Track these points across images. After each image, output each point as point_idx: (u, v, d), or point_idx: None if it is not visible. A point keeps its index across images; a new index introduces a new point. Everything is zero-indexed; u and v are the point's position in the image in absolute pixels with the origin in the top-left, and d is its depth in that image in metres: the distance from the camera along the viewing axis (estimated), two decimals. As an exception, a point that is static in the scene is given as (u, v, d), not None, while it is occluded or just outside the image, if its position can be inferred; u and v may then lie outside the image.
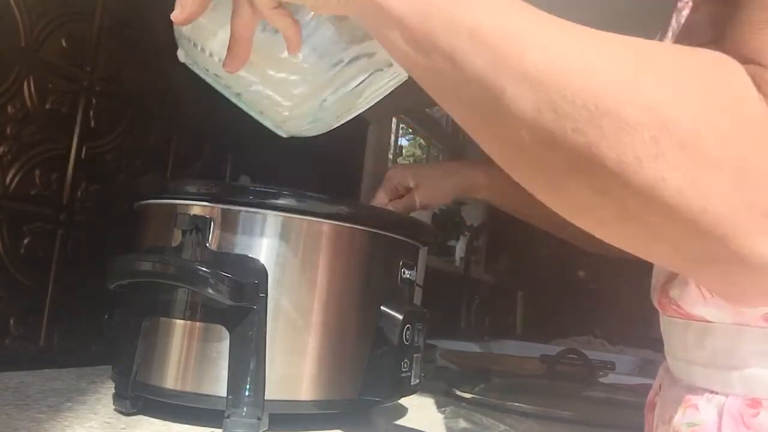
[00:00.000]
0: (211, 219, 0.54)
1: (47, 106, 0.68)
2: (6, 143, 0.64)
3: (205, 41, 0.45)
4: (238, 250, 0.53)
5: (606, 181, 0.28)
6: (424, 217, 1.32)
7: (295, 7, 0.41)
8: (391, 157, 2.32)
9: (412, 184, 0.81)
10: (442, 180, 0.83)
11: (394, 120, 2.20)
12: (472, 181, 0.82)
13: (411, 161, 3.02)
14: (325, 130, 0.49)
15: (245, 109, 0.49)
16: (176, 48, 0.48)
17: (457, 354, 1.20)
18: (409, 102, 1.33)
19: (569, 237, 0.86)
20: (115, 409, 0.55)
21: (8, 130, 0.65)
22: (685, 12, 0.47)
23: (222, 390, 0.52)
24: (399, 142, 2.61)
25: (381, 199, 0.83)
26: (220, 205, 0.54)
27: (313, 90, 0.44)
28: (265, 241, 0.54)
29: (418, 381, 0.63)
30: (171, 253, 0.54)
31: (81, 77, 0.72)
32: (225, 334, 0.53)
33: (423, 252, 1.36)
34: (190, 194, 0.55)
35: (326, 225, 0.56)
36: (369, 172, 1.47)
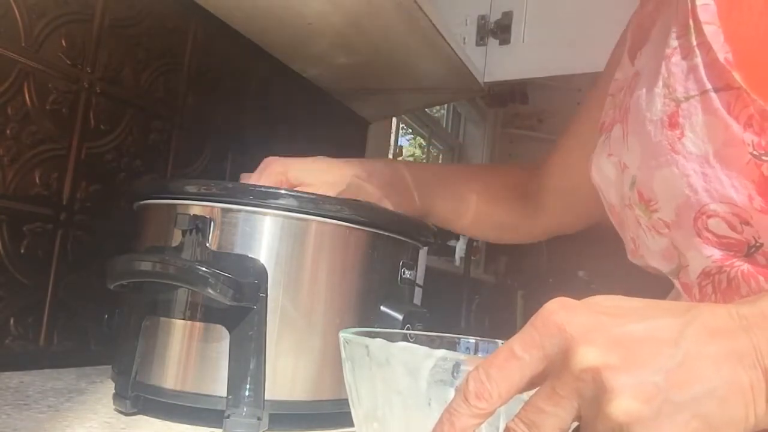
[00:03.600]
0: (211, 219, 0.53)
1: (47, 106, 0.68)
2: (6, 143, 0.64)
3: None
4: (238, 250, 0.53)
5: None
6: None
7: None
8: (391, 156, 2.32)
9: (293, 181, 0.74)
10: (323, 175, 0.75)
11: (394, 120, 2.20)
12: (356, 177, 0.75)
13: (411, 161, 3.03)
14: None
15: None
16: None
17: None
18: (409, 102, 1.33)
19: (471, 234, 0.85)
20: (115, 409, 0.55)
21: (8, 130, 0.65)
22: (675, 59, 0.46)
23: (222, 390, 0.52)
24: (399, 142, 2.61)
25: None
26: (220, 205, 0.54)
27: None
28: (265, 241, 0.54)
29: (418, 381, 0.63)
30: (171, 253, 0.54)
31: (81, 77, 0.72)
32: (225, 334, 0.53)
33: (423, 252, 1.37)
34: (190, 194, 0.55)
35: (326, 225, 0.56)
36: (369, 172, 1.47)
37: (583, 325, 0.29)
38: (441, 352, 0.34)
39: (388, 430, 0.36)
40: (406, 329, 0.59)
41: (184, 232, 0.54)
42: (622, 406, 0.27)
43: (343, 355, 0.38)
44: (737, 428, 0.29)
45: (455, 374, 0.33)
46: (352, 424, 0.38)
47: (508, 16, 1.30)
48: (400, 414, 0.35)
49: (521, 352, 0.29)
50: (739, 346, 0.29)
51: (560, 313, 0.30)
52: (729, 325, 0.30)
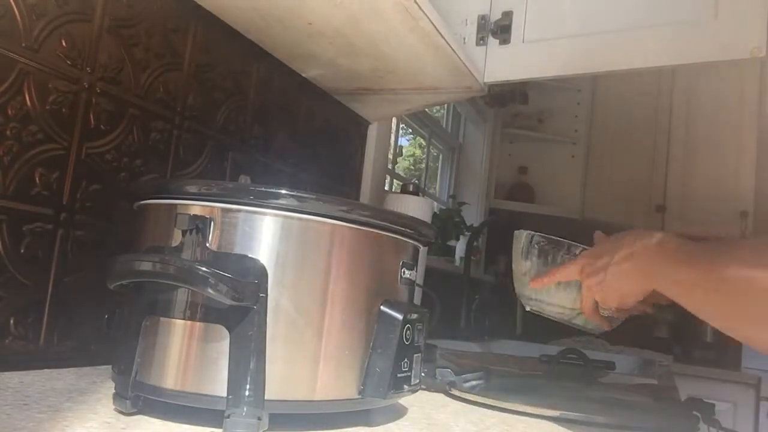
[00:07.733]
0: (211, 219, 0.54)
1: (47, 106, 0.68)
2: (6, 143, 0.64)
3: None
4: (238, 250, 0.53)
5: None
6: (424, 216, 1.32)
7: None
8: (391, 157, 2.32)
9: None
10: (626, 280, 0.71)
11: (394, 120, 2.20)
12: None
13: (411, 161, 3.02)
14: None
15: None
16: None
17: (457, 354, 1.20)
18: (409, 102, 1.33)
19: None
20: (115, 409, 0.55)
21: (8, 130, 0.65)
22: None
23: (222, 390, 0.52)
24: (399, 142, 2.61)
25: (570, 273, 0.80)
26: (220, 205, 0.54)
27: None
28: (265, 241, 0.54)
29: (418, 381, 0.63)
30: (171, 253, 0.54)
31: (81, 77, 0.72)
32: (225, 334, 0.53)
33: (423, 252, 1.37)
34: (190, 194, 0.55)
35: (326, 225, 0.56)
36: (369, 172, 1.47)
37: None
38: None
39: None
40: (406, 330, 0.59)
41: (184, 232, 0.54)
42: None
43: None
44: None
45: None
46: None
47: (508, 16, 1.30)
48: None
49: None
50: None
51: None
52: None
